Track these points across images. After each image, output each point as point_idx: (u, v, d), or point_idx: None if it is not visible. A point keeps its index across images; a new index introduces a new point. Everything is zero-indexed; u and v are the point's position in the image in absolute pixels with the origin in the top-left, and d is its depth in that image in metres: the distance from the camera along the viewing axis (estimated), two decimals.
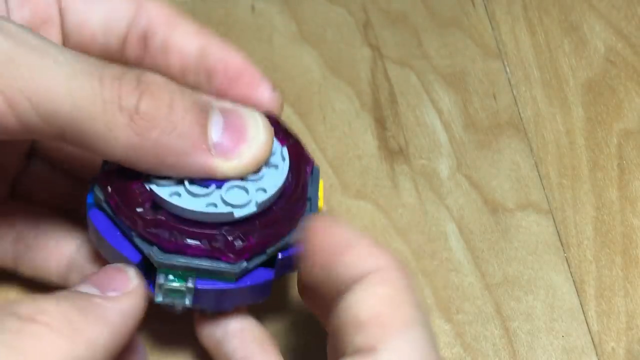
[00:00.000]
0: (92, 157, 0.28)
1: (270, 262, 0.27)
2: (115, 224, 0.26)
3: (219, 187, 0.26)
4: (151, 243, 0.26)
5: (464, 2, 0.49)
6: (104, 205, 0.27)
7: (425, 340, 0.22)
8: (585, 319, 0.36)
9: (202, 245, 0.25)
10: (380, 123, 0.43)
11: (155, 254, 0.25)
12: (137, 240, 0.26)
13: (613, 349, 0.35)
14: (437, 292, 0.37)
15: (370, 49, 0.47)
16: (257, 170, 0.26)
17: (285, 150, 0.28)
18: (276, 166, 0.27)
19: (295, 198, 0.27)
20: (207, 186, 0.26)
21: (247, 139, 0.26)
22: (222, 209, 0.25)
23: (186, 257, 0.25)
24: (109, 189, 0.26)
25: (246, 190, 0.26)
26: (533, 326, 0.36)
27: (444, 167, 0.42)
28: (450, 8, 0.49)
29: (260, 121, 0.26)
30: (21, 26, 0.25)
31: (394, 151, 0.42)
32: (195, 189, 0.25)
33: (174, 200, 0.25)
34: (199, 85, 0.30)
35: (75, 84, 0.24)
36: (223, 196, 0.25)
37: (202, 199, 0.25)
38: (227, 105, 0.27)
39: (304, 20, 0.48)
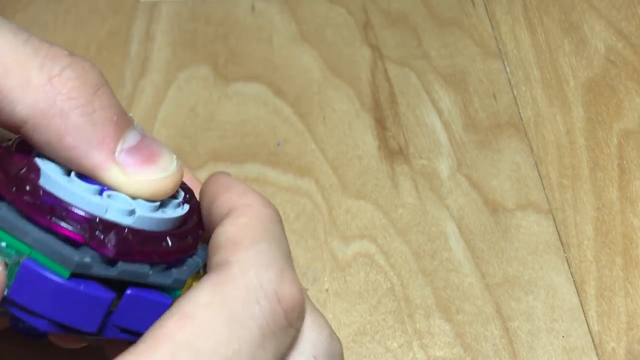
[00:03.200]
0: None
1: (118, 289, 0.23)
2: None
3: (101, 192, 0.23)
4: (3, 197, 0.22)
5: (464, 2, 0.49)
6: None
7: (273, 251, 0.23)
8: (586, 319, 0.36)
9: (45, 217, 0.22)
10: (380, 123, 0.43)
11: (1, 207, 0.22)
12: None
13: (613, 349, 0.35)
14: (437, 292, 0.37)
15: (370, 49, 0.47)
16: (151, 202, 0.24)
17: (186, 207, 0.25)
18: (170, 212, 0.24)
19: (176, 249, 0.24)
20: (92, 184, 0.23)
21: (157, 164, 0.24)
22: (98, 200, 0.22)
23: (31, 225, 0.22)
24: None
25: (129, 203, 0.23)
26: (533, 326, 0.36)
27: (444, 167, 0.42)
28: (450, 8, 0.49)
29: (175, 160, 0.24)
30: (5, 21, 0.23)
31: (394, 151, 0.42)
32: (79, 181, 0.23)
33: (54, 176, 0.23)
34: None
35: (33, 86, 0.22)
36: (105, 196, 0.23)
37: (82, 190, 0.23)
38: (150, 135, 0.25)
39: (304, 20, 0.48)
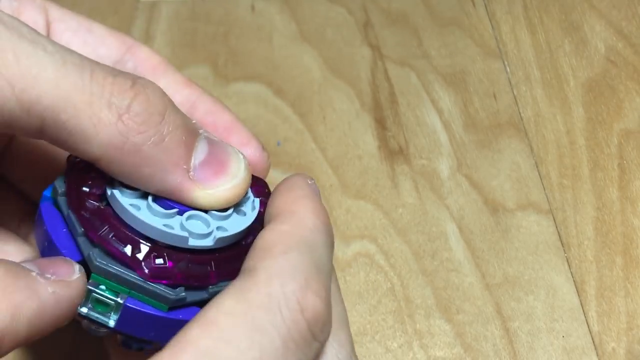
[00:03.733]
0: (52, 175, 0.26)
1: None
2: (65, 222, 0.25)
3: (180, 213, 0.24)
4: (94, 245, 0.24)
5: (464, 2, 0.49)
6: (60, 199, 0.25)
7: (303, 261, 0.23)
8: (586, 319, 0.36)
9: (129, 253, 0.24)
10: (380, 123, 0.43)
11: (95, 256, 0.24)
12: (81, 240, 0.24)
13: (613, 349, 0.35)
14: (437, 292, 0.37)
15: (370, 48, 0.47)
16: (225, 210, 0.25)
17: (257, 202, 0.27)
18: (244, 213, 0.26)
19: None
20: (169, 208, 0.24)
21: (227, 173, 0.25)
22: (178, 231, 0.24)
23: (124, 269, 0.24)
24: (70, 183, 0.25)
25: (207, 224, 0.25)
26: (533, 326, 0.36)
27: (444, 167, 0.41)
28: (451, 8, 0.49)
29: (243, 161, 0.25)
30: (14, 17, 0.24)
31: (394, 151, 0.42)
32: (157, 206, 0.24)
33: (132, 210, 0.24)
34: None
35: (63, 73, 0.22)
36: (183, 222, 0.24)
37: (160, 218, 0.24)
38: (215, 137, 0.25)
39: (304, 20, 0.48)
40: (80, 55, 0.23)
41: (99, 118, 0.22)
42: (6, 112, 0.22)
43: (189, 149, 0.24)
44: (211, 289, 0.24)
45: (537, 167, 0.42)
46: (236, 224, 0.25)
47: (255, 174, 0.28)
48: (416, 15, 0.48)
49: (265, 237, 0.24)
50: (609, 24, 0.48)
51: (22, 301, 0.21)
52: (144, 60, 0.29)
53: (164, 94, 0.24)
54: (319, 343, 0.23)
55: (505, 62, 0.46)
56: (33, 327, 0.22)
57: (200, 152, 0.24)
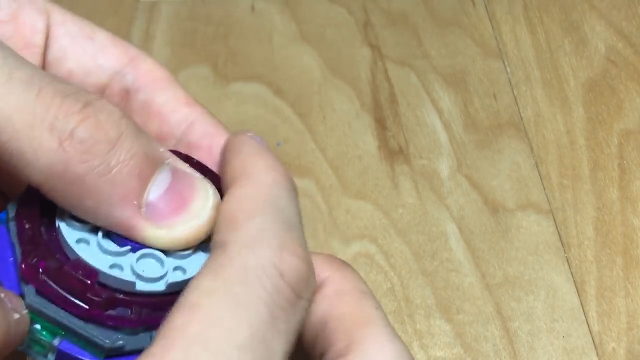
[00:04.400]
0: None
1: None
2: (13, 249, 0.23)
3: (133, 251, 0.22)
4: (26, 280, 0.22)
5: (464, 2, 0.49)
6: (10, 225, 0.23)
7: (270, 223, 0.21)
8: (586, 320, 0.36)
9: (76, 302, 0.21)
10: (380, 123, 0.43)
11: (29, 294, 0.21)
12: (20, 273, 0.22)
13: (614, 349, 0.35)
14: (437, 292, 0.37)
15: (370, 48, 0.47)
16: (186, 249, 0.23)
17: None
18: (208, 251, 0.23)
19: None
20: (122, 245, 0.22)
21: (187, 211, 0.22)
22: (125, 275, 0.22)
23: (57, 309, 0.21)
24: (21, 208, 0.23)
25: (162, 264, 0.22)
26: (533, 326, 0.36)
27: (444, 167, 0.41)
28: (451, 8, 0.49)
29: (211, 199, 0.23)
30: None
31: (394, 151, 0.42)
32: (107, 243, 0.22)
33: (75, 247, 0.22)
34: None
35: (7, 89, 0.21)
36: (133, 263, 0.22)
37: (109, 257, 0.22)
38: (184, 168, 0.23)
39: (304, 20, 0.48)
40: (33, 71, 0.22)
41: (40, 142, 0.21)
42: None
43: (144, 181, 0.22)
44: (154, 333, 0.22)
45: (537, 167, 0.42)
46: (197, 264, 0.23)
47: None
48: (416, 15, 0.48)
49: (228, 206, 0.22)
50: (609, 24, 0.48)
51: None
52: (145, 73, 0.27)
53: (121, 117, 0.22)
54: (305, 300, 0.21)
55: (505, 62, 0.46)
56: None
57: (158, 185, 0.22)
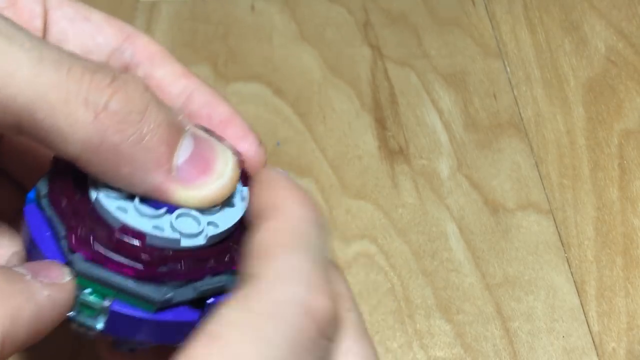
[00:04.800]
0: (43, 164, 0.26)
1: (200, 305, 0.24)
2: (50, 224, 0.24)
3: (169, 212, 0.24)
4: (75, 249, 0.23)
5: (464, 2, 0.49)
6: (43, 201, 0.25)
7: (303, 261, 0.22)
8: (586, 320, 0.36)
9: (126, 262, 0.23)
10: (380, 123, 0.43)
11: (77, 261, 0.23)
12: (63, 243, 0.23)
13: (614, 349, 0.35)
14: (437, 292, 0.37)
15: (370, 48, 0.47)
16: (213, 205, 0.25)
17: (246, 191, 0.26)
18: (233, 205, 0.25)
19: (242, 242, 0.25)
20: (157, 208, 0.24)
21: (212, 172, 0.24)
22: (169, 234, 0.23)
23: (108, 272, 0.23)
24: (53, 184, 0.24)
25: (198, 221, 0.24)
26: (534, 326, 0.36)
27: (444, 167, 0.41)
28: (451, 7, 0.49)
29: (230, 159, 0.24)
30: None
31: (394, 151, 0.42)
32: (144, 208, 0.23)
33: (118, 215, 0.23)
34: None
35: (40, 70, 0.22)
36: (173, 222, 0.23)
37: (149, 220, 0.23)
38: (203, 134, 0.25)
39: (304, 20, 0.48)
40: (60, 51, 0.23)
41: (75, 116, 0.22)
42: None
43: (172, 147, 0.23)
44: (199, 286, 0.24)
45: (537, 167, 0.42)
46: (227, 218, 0.25)
47: (250, 169, 0.27)
48: (416, 15, 0.48)
49: (260, 238, 0.23)
50: (609, 24, 0.48)
51: (20, 305, 0.21)
52: (142, 49, 0.28)
53: (145, 89, 0.23)
54: (328, 340, 0.22)
55: (506, 62, 0.46)
56: (32, 331, 0.21)
57: (184, 150, 0.23)
